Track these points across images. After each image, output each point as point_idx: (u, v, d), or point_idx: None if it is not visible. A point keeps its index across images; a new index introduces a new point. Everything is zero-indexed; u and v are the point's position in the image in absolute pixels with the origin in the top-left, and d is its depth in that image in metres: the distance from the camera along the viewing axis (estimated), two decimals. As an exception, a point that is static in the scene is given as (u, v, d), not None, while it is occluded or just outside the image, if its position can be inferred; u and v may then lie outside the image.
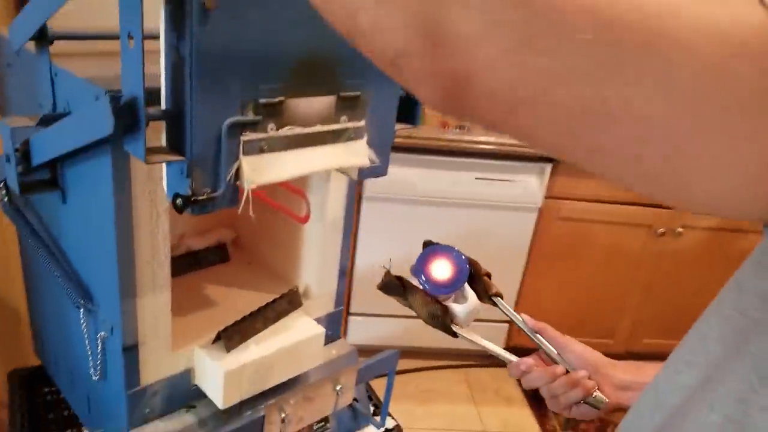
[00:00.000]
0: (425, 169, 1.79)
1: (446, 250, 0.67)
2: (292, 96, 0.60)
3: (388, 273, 0.68)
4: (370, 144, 0.69)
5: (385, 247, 1.91)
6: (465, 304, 0.65)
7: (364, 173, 0.72)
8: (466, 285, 0.67)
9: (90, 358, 0.74)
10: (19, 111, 0.77)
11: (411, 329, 2.08)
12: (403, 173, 1.79)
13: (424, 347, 2.15)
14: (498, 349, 0.67)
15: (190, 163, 0.55)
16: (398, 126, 0.76)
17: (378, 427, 0.92)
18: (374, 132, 0.69)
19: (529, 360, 0.66)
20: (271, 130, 0.60)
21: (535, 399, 2.16)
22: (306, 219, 0.85)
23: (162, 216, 0.66)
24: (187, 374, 0.77)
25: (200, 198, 0.57)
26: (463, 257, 0.67)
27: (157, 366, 0.73)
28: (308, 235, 0.88)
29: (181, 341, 0.76)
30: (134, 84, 0.51)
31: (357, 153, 0.68)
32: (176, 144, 0.55)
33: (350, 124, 0.67)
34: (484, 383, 2.23)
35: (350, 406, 0.89)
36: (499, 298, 0.67)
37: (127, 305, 0.67)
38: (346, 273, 0.92)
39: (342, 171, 0.74)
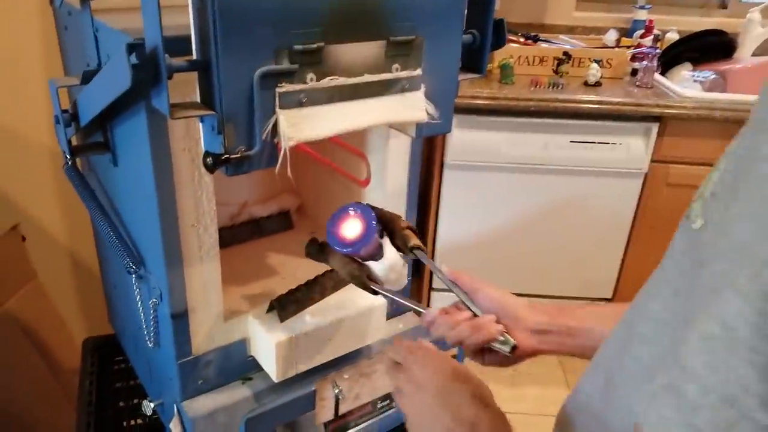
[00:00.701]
0: (512, 132, 1.66)
1: (351, 208, 0.63)
2: (333, 42, 0.53)
3: (313, 239, 0.68)
4: (428, 96, 0.61)
5: (470, 218, 1.82)
6: (380, 261, 0.63)
7: (424, 130, 0.65)
8: (385, 241, 0.64)
9: (144, 325, 0.73)
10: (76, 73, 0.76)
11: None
12: (488, 137, 1.67)
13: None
14: (411, 303, 0.63)
15: (220, 118, 0.50)
16: (463, 76, 0.67)
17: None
18: (433, 82, 0.61)
19: (434, 310, 0.62)
20: (311, 81, 0.54)
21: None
22: (366, 182, 0.79)
23: (205, 177, 0.62)
24: (243, 344, 0.74)
25: (233, 156, 0.52)
26: (371, 213, 0.62)
27: (209, 335, 0.70)
28: (369, 200, 0.82)
29: (235, 310, 0.73)
30: (153, 33, 0.47)
31: (412, 106, 0.61)
32: (207, 98, 0.51)
33: (404, 74, 0.59)
34: (580, 368, 2.08)
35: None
36: (419, 251, 0.64)
37: (174, 271, 0.64)
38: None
39: (396, 128, 0.67)
